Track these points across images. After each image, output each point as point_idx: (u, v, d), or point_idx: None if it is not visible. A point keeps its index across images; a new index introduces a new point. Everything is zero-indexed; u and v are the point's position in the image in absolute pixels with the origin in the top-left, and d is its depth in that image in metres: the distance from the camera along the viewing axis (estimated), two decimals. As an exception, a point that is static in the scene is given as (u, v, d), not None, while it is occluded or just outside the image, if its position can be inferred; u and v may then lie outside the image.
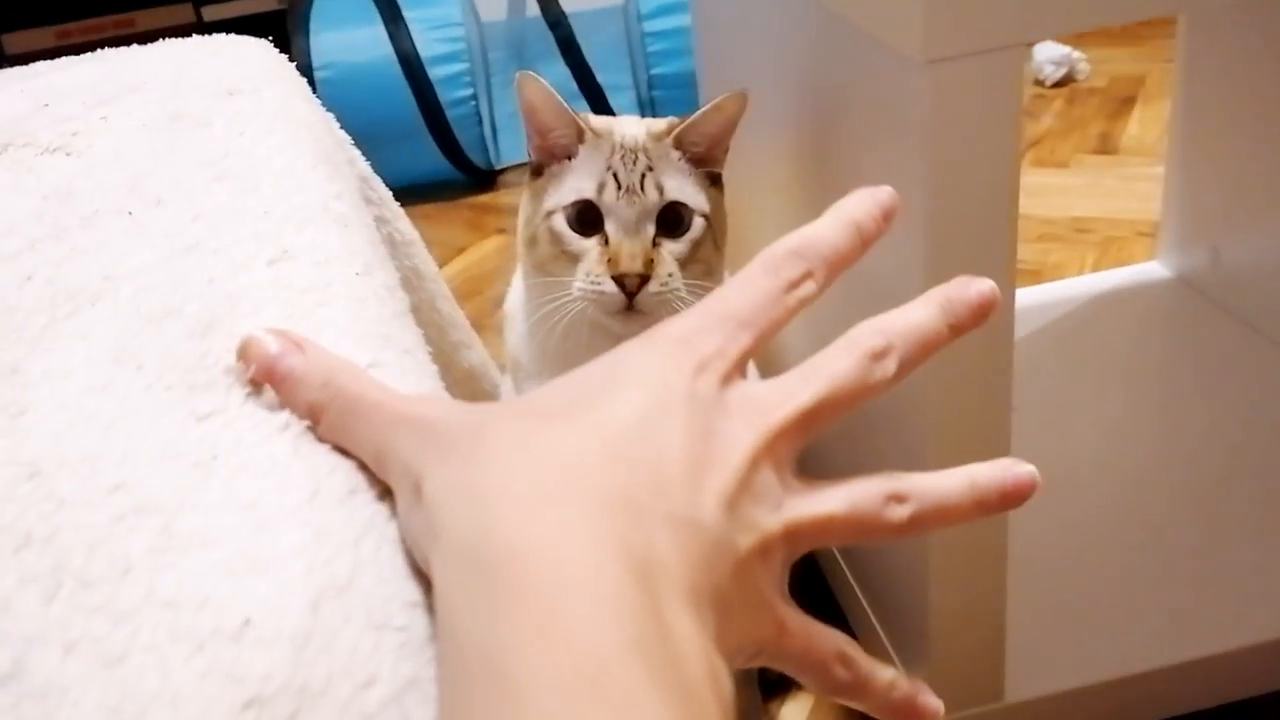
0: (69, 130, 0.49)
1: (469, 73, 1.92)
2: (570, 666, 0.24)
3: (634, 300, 0.75)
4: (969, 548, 0.76)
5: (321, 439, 0.33)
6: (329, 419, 0.33)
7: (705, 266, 0.79)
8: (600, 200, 0.76)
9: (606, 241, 0.76)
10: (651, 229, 0.77)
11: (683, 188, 0.78)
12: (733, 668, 0.29)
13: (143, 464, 0.32)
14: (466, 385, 0.80)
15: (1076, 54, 2.16)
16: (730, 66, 1.05)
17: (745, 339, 0.33)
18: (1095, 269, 1.54)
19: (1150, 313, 1.30)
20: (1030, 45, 2.05)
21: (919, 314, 0.34)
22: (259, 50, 0.60)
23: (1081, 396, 1.17)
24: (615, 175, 0.76)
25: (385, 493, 0.32)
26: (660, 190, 0.77)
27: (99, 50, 0.61)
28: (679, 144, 0.78)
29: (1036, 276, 1.54)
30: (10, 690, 0.26)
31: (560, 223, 0.77)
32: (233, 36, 0.62)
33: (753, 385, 0.32)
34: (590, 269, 0.76)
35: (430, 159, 1.93)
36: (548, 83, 0.78)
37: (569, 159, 0.79)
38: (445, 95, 1.90)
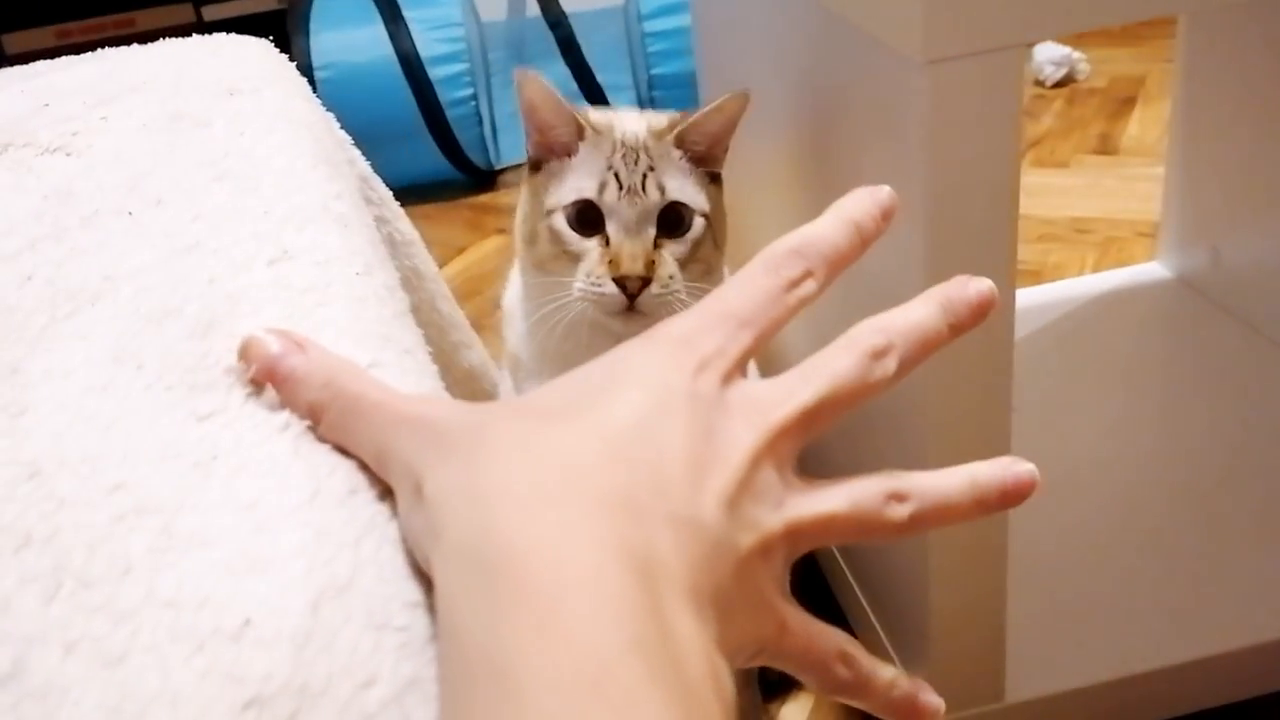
0: (69, 130, 0.49)
1: (469, 73, 1.92)
2: (571, 667, 0.24)
3: (635, 301, 0.75)
4: (969, 548, 0.76)
5: (322, 439, 0.33)
6: (330, 419, 0.33)
7: (705, 266, 0.79)
8: (601, 200, 0.76)
9: (607, 242, 0.76)
10: (653, 229, 0.76)
11: (684, 188, 0.77)
12: (734, 667, 0.29)
13: (143, 464, 0.32)
14: (466, 385, 0.80)
15: (1076, 54, 2.16)
16: (730, 67, 1.05)
17: (746, 338, 0.33)
18: (1095, 269, 1.54)
19: (1150, 313, 1.30)
20: (1030, 46, 2.05)
21: (919, 313, 0.34)
22: (259, 50, 0.60)
23: (1081, 397, 1.17)
24: (616, 175, 0.76)
25: (385, 493, 0.32)
26: (662, 190, 0.76)
27: (99, 50, 0.61)
28: (680, 143, 0.78)
29: (1036, 277, 1.54)
30: (10, 690, 0.26)
31: (560, 222, 0.77)
32: (233, 36, 0.62)
33: (753, 384, 0.32)
34: (591, 270, 0.76)
35: (430, 159, 1.93)
36: (548, 81, 0.77)
37: (569, 156, 0.79)
38: (445, 95, 1.90)
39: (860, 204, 0.36)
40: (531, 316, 0.82)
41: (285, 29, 1.90)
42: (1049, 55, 2.15)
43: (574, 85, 1.97)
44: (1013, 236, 0.65)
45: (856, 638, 0.35)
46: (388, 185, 0.66)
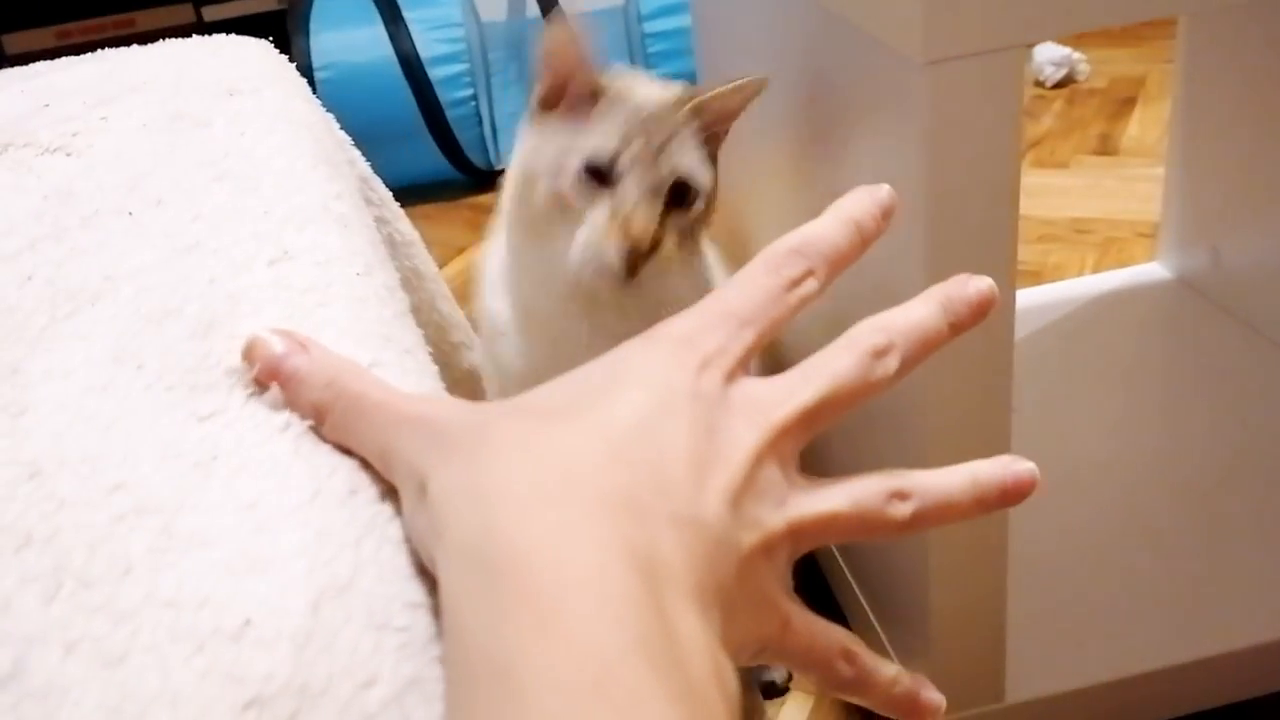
0: (69, 130, 0.49)
1: (469, 73, 1.92)
2: (573, 667, 0.24)
3: (637, 270, 0.73)
4: (969, 548, 0.76)
5: (325, 439, 0.33)
6: (333, 419, 0.33)
7: (693, 244, 0.79)
8: (619, 163, 0.73)
9: (615, 205, 0.74)
10: (662, 200, 0.75)
11: (694, 163, 0.76)
12: (736, 665, 0.29)
13: (143, 464, 0.32)
14: (466, 385, 0.80)
15: (1076, 55, 2.16)
16: (730, 67, 1.05)
17: (748, 337, 0.33)
18: (1095, 270, 1.54)
19: (1150, 313, 1.30)
20: (1030, 46, 2.05)
21: (919, 312, 0.34)
22: (259, 50, 0.60)
23: (1081, 397, 1.17)
24: (636, 140, 0.74)
25: (386, 493, 0.32)
26: (677, 163, 0.75)
27: (99, 50, 0.61)
28: (694, 116, 0.76)
29: (1036, 277, 1.54)
30: (10, 690, 0.26)
31: (572, 174, 0.74)
32: (233, 37, 0.62)
33: (755, 383, 0.32)
34: (596, 230, 0.73)
35: (430, 159, 1.93)
36: (581, 30, 0.75)
37: (581, 110, 0.76)
38: (445, 95, 1.90)
39: (860, 203, 0.36)
40: (518, 278, 0.80)
41: (285, 29, 1.90)
42: (1049, 55, 2.15)
43: (574, 85, 1.97)
44: (1013, 237, 0.65)
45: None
46: (388, 185, 0.66)
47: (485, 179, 2.03)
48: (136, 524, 0.30)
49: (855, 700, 0.34)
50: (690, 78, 1.28)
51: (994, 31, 0.58)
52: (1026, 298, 1.31)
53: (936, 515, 0.33)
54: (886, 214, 0.36)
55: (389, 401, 0.33)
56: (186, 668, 0.27)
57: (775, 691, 0.99)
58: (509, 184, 0.82)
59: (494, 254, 0.86)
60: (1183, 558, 0.94)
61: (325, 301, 0.39)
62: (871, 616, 0.92)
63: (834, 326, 0.34)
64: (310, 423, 0.33)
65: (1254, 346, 1.18)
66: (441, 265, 1.61)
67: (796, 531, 0.31)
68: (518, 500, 0.28)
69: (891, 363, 0.33)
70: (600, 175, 0.74)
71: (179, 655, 0.27)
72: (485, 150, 2.02)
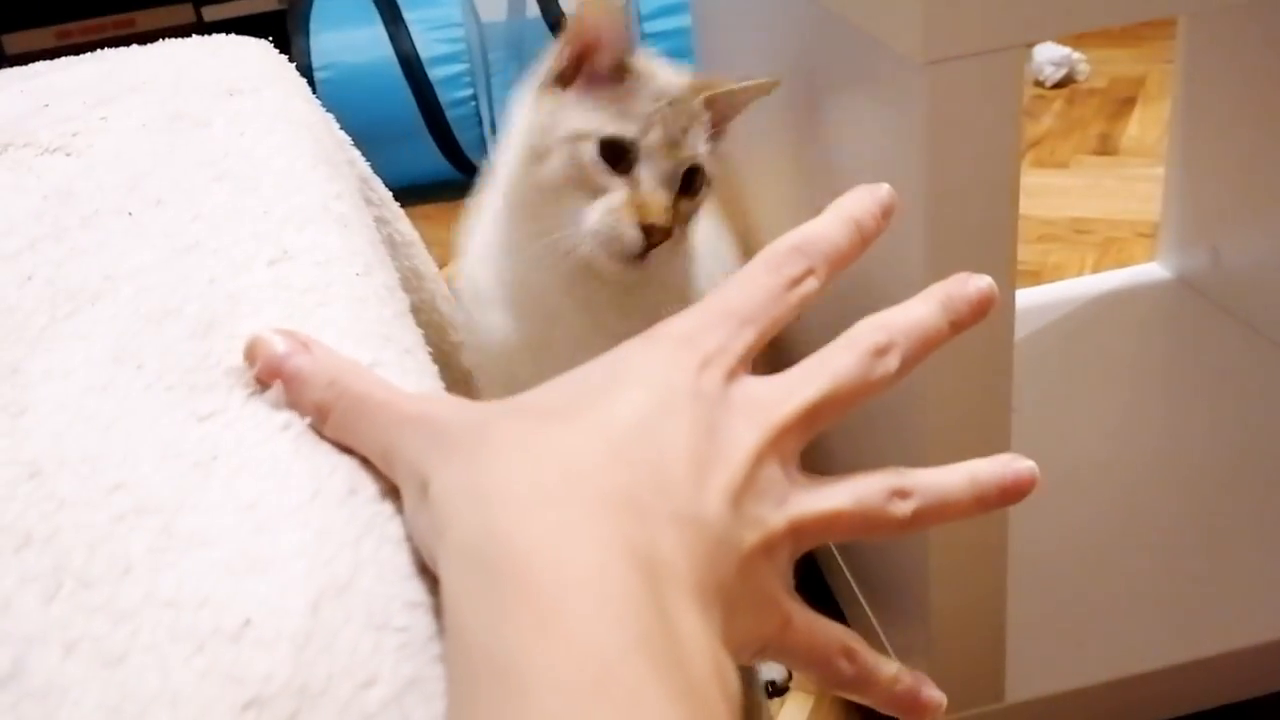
0: (69, 130, 0.49)
1: (469, 73, 1.92)
2: (573, 666, 0.24)
3: (649, 251, 0.73)
4: (969, 548, 0.76)
5: (327, 438, 0.33)
6: (335, 418, 0.33)
7: (685, 230, 0.79)
8: (641, 144, 0.74)
9: (633, 187, 0.74)
10: (678, 184, 0.75)
11: (706, 153, 0.77)
12: (737, 664, 0.29)
13: (143, 464, 0.32)
14: (466, 385, 0.80)
15: (1076, 55, 2.16)
16: (730, 67, 1.05)
17: (748, 335, 0.33)
18: (1095, 270, 1.54)
19: (1150, 313, 1.30)
20: (1030, 46, 2.05)
21: (919, 310, 0.34)
22: (259, 50, 0.60)
23: (1081, 397, 1.17)
24: (659, 123, 0.74)
25: (385, 492, 0.32)
26: (694, 150, 0.75)
27: (99, 50, 0.61)
28: (709, 106, 0.77)
29: (1036, 277, 1.54)
30: (10, 690, 0.26)
31: (590, 151, 0.74)
32: (232, 37, 0.62)
33: (756, 382, 0.32)
34: (614, 210, 0.73)
35: (430, 159, 1.93)
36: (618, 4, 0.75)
37: (602, 86, 0.76)
38: (445, 96, 1.90)
39: (860, 202, 0.36)
40: (512, 250, 0.79)
41: (285, 29, 1.90)
42: (1049, 55, 2.15)
43: (574, 85, 1.97)
44: (1013, 237, 0.65)
45: (856, 637, 0.35)
46: (388, 185, 0.66)
47: (485, 179, 2.03)
48: (136, 524, 0.30)
49: (856, 698, 0.35)
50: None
51: (994, 31, 0.58)
52: (1026, 298, 1.31)
53: (937, 513, 0.33)
54: (887, 213, 0.36)
55: (391, 401, 0.33)
56: (186, 668, 0.27)
57: (776, 691, 0.99)
58: (510, 154, 0.80)
59: (483, 222, 0.84)
60: (1183, 558, 0.94)
61: (325, 301, 0.39)
62: (871, 617, 0.92)
63: (833, 327, 0.34)
64: (310, 422, 0.33)
65: (1254, 346, 1.18)
66: (441, 265, 1.60)
67: (798, 530, 0.31)
68: (518, 500, 0.28)
69: (892, 361, 0.33)
70: (617, 155, 0.74)
71: (179, 655, 0.27)
72: (485, 150, 2.02)
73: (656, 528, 0.28)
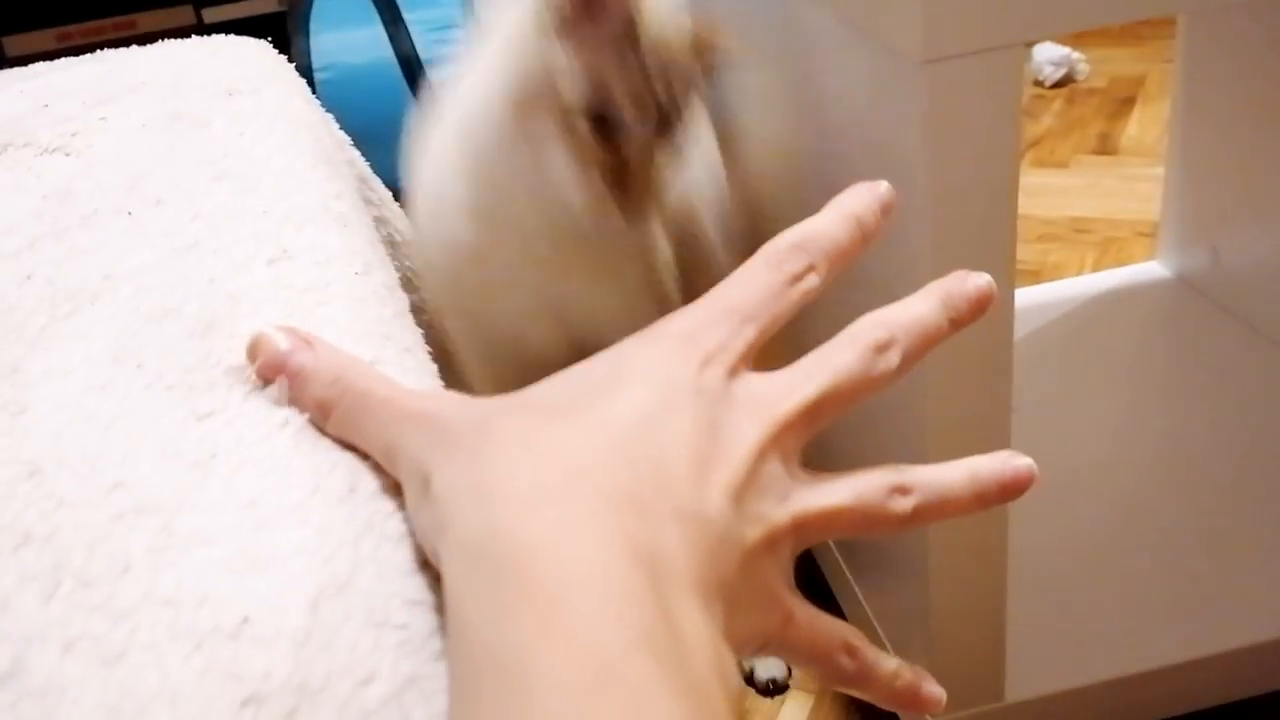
0: (69, 130, 0.49)
1: (469, 74, 1.92)
2: (576, 663, 0.24)
3: (644, 225, 0.73)
4: (969, 548, 0.76)
5: (329, 435, 0.33)
6: (338, 415, 0.33)
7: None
8: (642, 96, 0.71)
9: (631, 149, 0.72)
10: (669, 144, 0.74)
11: (697, 103, 0.77)
12: (739, 659, 0.29)
13: (142, 463, 0.32)
14: (465, 384, 0.80)
15: (1076, 54, 2.16)
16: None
17: (749, 332, 0.33)
18: (1095, 269, 1.54)
19: (1150, 313, 1.30)
20: (1030, 45, 2.05)
21: (920, 308, 0.34)
22: (258, 51, 0.60)
23: (1081, 397, 1.17)
24: (660, 75, 0.72)
25: (385, 490, 0.32)
26: (690, 102, 0.75)
27: (99, 51, 0.61)
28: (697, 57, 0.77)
29: (1036, 276, 1.54)
30: (9, 689, 0.26)
31: (583, 125, 0.71)
32: (232, 37, 0.62)
33: (757, 379, 0.32)
34: (598, 180, 0.71)
35: (430, 160, 1.93)
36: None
37: (604, 30, 0.71)
38: (445, 96, 1.90)
39: (860, 199, 0.36)
40: (489, 171, 0.75)
41: (285, 30, 1.90)
42: (1048, 55, 2.15)
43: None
44: (1012, 236, 0.65)
45: (856, 636, 0.35)
46: (387, 185, 0.66)
47: (485, 180, 2.03)
48: (136, 523, 0.30)
49: (857, 694, 0.35)
50: (690, 78, 1.29)
51: (993, 30, 0.58)
52: (1026, 297, 1.31)
53: (937, 510, 0.33)
54: (886, 210, 0.36)
55: (393, 398, 0.33)
56: (185, 666, 0.27)
57: (777, 689, 0.99)
58: (496, 77, 0.75)
59: (448, 136, 0.78)
60: (1183, 558, 0.94)
61: (325, 301, 0.39)
62: (871, 616, 0.92)
63: (833, 326, 0.34)
64: (309, 419, 0.33)
65: (1254, 346, 1.18)
66: (441, 266, 1.61)
67: (799, 526, 0.31)
68: (520, 497, 0.28)
69: (893, 358, 0.33)
70: (611, 107, 0.71)
71: (178, 653, 0.27)
72: (485, 151, 2.02)
73: (658, 525, 0.28)
